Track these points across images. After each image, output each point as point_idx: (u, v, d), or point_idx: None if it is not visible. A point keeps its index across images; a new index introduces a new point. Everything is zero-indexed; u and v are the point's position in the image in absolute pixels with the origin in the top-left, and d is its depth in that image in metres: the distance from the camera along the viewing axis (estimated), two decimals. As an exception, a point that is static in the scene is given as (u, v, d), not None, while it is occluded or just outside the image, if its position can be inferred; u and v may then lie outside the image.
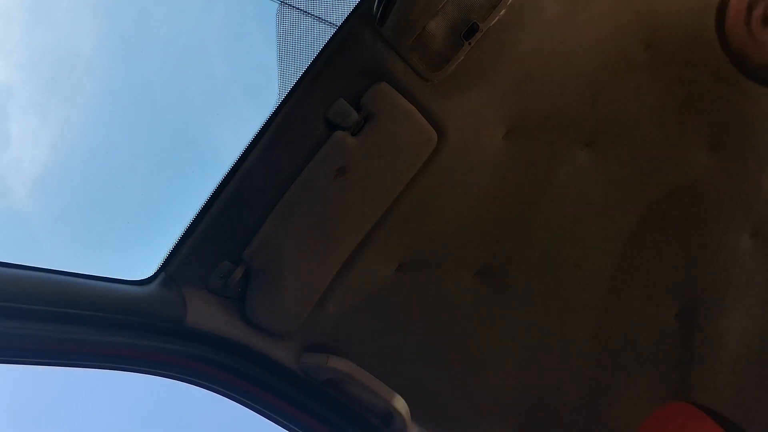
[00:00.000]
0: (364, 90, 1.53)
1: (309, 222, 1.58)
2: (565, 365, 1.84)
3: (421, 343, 1.78)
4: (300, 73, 1.57)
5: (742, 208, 1.79)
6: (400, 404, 1.71)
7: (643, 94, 1.71)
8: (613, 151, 1.73)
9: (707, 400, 1.83)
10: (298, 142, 1.55)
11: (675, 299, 1.83)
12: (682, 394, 1.84)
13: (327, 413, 1.67)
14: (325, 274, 1.63)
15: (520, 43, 1.59)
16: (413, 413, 1.75)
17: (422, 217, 1.68)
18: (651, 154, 1.75)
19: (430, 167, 1.63)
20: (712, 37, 1.69)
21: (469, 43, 1.53)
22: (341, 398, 1.70)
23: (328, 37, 1.56)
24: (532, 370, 1.84)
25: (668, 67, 1.70)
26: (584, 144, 1.72)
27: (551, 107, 1.67)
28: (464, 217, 1.71)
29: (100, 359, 1.38)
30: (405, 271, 1.71)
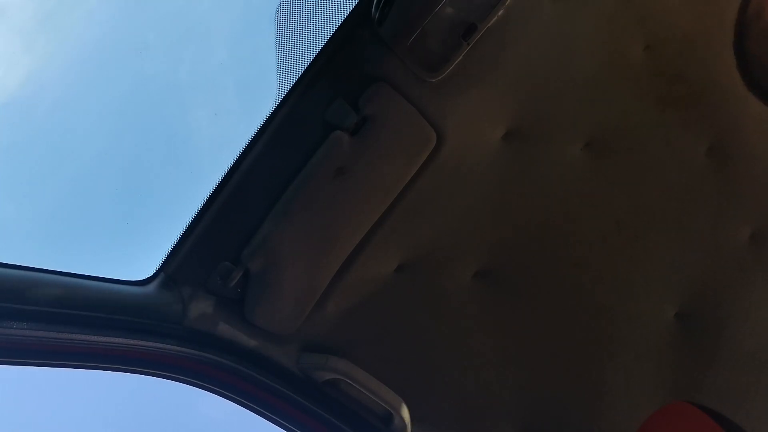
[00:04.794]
0: (363, 90, 1.53)
1: (308, 222, 1.58)
2: (565, 365, 1.84)
3: (421, 343, 1.78)
4: (299, 74, 1.57)
5: (742, 208, 1.79)
6: (400, 405, 1.71)
7: (642, 94, 1.70)
8: (612, 151, 1.73)
9: (707, 400, 1.82)
10: (296, 143, 1.55)
11: (675, 299, 1.83)
12: (682, 394, 1.84)
13: (326, 414, 1.67)
14: (324, 275, 1.63)
15: (518, 43, 1.59)
16: (413, 414, 1.75)
17: (421, 217, 1.68)
18: (650, 154, 1.75)
19: (429, 167, 1.63)
20: (712, 38, 1.69)
21: (468, 44, 1.53)
22: (341, 399, 1.70)
23: (327, 38, 1.56)
24: (532, 371, 1.84)
25: (667, 66, 1.70)
26: (583, 144, 1.72)
27: (550, 107, 1.67)
28: (463, 217, 1.71)
29: (97, 360, 1.38)
30: (404, 271, 1.71)
